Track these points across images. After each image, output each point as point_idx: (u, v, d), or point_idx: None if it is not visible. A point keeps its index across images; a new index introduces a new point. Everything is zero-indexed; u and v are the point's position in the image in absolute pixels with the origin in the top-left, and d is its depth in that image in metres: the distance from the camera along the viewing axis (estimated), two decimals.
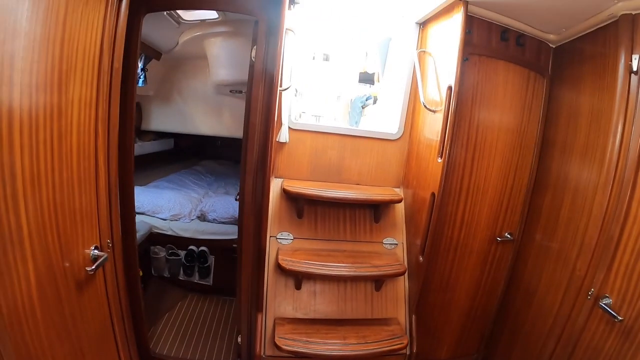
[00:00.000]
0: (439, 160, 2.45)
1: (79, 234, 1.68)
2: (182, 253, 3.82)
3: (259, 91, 2.39)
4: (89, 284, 1.79)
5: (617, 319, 1.87)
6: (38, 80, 1.31)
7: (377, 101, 3.89)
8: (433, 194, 2.49)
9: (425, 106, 2.60)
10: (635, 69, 1.93)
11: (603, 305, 1.96)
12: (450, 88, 2.39)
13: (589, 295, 2.08)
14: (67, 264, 1.57)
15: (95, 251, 1.79)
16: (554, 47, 2.70)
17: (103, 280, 1.93)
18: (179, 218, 3.84)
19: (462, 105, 2.54)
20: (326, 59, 4.45)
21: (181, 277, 3.92)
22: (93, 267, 1.73)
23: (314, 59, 4.40)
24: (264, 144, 2.39)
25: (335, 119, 4.59)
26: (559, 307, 2.33)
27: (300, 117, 4.01)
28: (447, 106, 2.41)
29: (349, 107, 4.46)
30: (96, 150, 1.79)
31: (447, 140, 2.40)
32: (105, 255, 1.82)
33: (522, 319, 2.73)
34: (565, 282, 2.30)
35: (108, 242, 1.93)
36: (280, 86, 2.44)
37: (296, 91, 3.30)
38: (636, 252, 1.86)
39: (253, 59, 2.43)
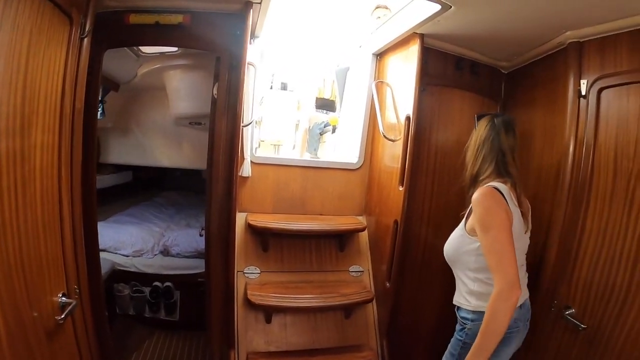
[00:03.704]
0: (400, 188, 2.52)
1: (46, 281, 1.64)
2: (147, 290, 3.72)
3: (222, 127, 2.41)
4: (59, 332, 1.73)
5: (581, 327, 1.95)
6: (0, 126, 1.29)
7: (335, 130, 3.98)
8: (396, 222, 2.55)
9: (384, 136, 2.68)
10: (583, 93, 2.06)
11: (567, 315, 2.05)
12: (408, 118, 2.48)
13: (552, 307, 2.16)
14: (36, 314, 1.52)
15: (63, 298, 1.74)
16: (506, 72, 2.83)
17: (72, 328, 1.86)
18: (142, 254, 3.76)
19: (421, 133, 2.61)
20: (284, 87, 4.52)
21: (147, 314, 3.80)
22: (62, 316, 1.67)
23: (271, 88, 4.46)
24: (228, 179, 2.41)
25: (295, 147, 4.64)
26: None
27: (259, 146, 4.03)
28: (407, 135, 2.49)
29: (307, 135, 4.53)
30: (60, 194, 1.76)
31: (408, 168, 2.47)
32: (74, 303, 1.77)
33: None
34: (531, 296, 2.34)
35: (75, 288, 1.87)
36: (243, 121, 2.47)
37: (255, 122, 3.33)
38: (593, 264, 1.97)
39: (215, 95, 2.44)
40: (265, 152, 4.34)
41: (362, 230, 2.94)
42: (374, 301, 2.83)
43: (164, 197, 5.64)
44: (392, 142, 2.68)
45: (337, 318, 2.75)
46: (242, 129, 2.57)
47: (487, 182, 1.77)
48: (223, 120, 2.41)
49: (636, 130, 1.82)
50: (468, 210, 1.80)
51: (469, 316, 1.76)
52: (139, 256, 3.75)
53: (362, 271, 2.95)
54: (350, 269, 2.93)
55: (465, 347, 1.69)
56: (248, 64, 2.53)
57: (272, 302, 2.54)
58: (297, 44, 3.38)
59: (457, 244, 1.83)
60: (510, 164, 1.81)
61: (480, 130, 1.90)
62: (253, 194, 2.92)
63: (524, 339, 1.89)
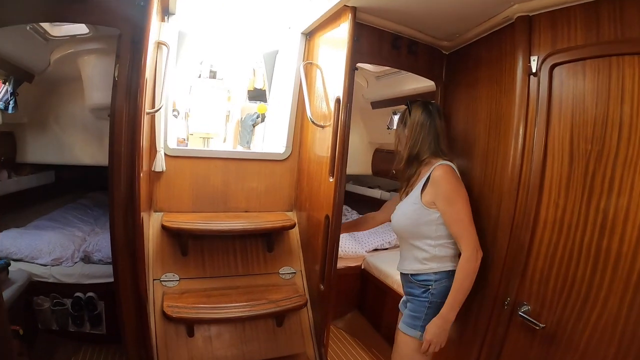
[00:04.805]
0: (331, 179, 2.28)
1: None
2: (69, 302, 3.34)
3: (123, 115, 2.08)
4: None
5: (539, 326, 1.78)
6: None
7: (265, 118, 3.73)
8: (327, 216, 2.31)
9: (312, 121, 2.43)
10: (534, 70, 1.87)
11: (522, 313, 1.87)
12: (338, 100, 2.23)
13: (506, 304, 1.97)
14: None
15: None
16: (447, 53, 2.62)
17: None
18: (61, 262, 3.37)
19: (353, 117, 2.37)
20: (213, 76, 4.21)
21: (71, 328, 3.42)
22: None
23: (200, 76, 4.15)
24: (131, 175, 2.09)
25: (226, 140, 4.37)
26: (475, 319, 2.16)
27: (188, 139, 3.75)
28: (336, 120, 2.24)
29: (239, 127, 4.26)
30: None
31: (338, 157, 2.23)
32: None
33: None
34: (480, 293, 2.13)
35: None
36: (151, 107, 2.16)
37: (178, 113, 3.02)
38: (550, 258, 1.79)
39: (116, 78, 2.12)
40: (194, 146, 4.04)
41: (292, 227, 2.71)
42: (308, 305, 2.61)
43: (90, 199, 5.26)
44: (321, 129, 2.44)
45: (269, 326, 2.51)
46: (154, 117, 2.26)
47: (430, 160, 2.04)
48: (124, 107, 2.09)
49: (594, 109, 1.64)
50: (422, 185, 1.99)
51: (432, 277, 1.97)
52: (57, 265, 3.35)
53: (294, 272, 2.72)
54: (281, 270, 2.70)
55: (432, 305, 1.93)
56: (160, 43, 2.25)
57: (193, 314, 2.27)
58: (223, 26, 3.08)
59: (415, 216, 2.00)
60: (443, 144, 2.08)
61: (417, 116, 2.09)
62: (169, 191, 2.63)
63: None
